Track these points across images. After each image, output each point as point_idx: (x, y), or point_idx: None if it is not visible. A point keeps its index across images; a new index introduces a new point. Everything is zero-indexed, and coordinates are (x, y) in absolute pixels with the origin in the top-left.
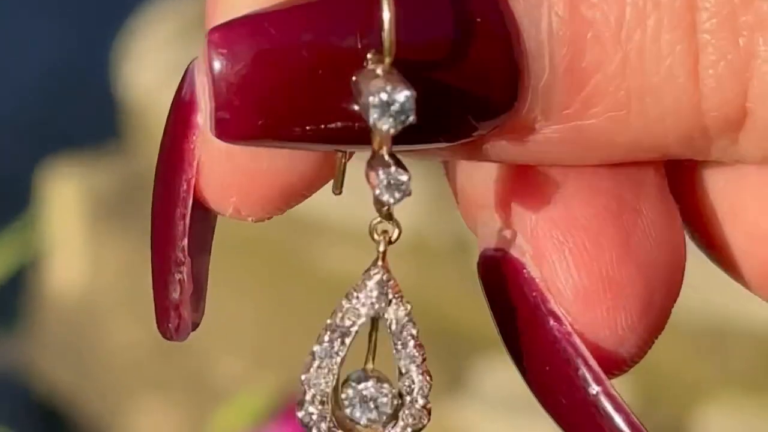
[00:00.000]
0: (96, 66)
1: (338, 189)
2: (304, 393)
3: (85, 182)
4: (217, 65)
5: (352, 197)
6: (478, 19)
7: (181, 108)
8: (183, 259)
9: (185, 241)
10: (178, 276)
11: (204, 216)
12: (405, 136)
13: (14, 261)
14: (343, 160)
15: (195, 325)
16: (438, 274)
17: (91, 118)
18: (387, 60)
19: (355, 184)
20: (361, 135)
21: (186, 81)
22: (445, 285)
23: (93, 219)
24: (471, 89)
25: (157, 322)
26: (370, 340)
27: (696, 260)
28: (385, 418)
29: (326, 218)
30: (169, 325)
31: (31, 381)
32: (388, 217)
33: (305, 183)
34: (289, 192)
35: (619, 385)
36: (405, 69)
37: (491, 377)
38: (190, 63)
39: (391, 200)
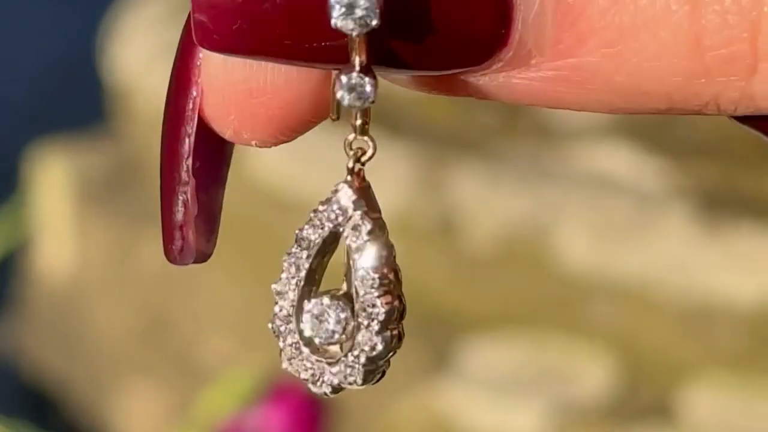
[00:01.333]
0: (83, 49)
1: (335, 114)
2: (275, 303)
3: (72, 165)
4: None
5: (339, 177)
6: None
7: (189, 28)
8: (187, 179)
9: (190, 161)
10: (182, 196)
11: (218, 147)
12: (387, 58)
13: (3, 245)
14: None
15: (206, 256)
16: (423, 255)
17: (78, 102)
18: None
19: (342, 163)
20: (339, 52)
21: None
22: (430, 267)
23: (81, 202)
24: (458, 14)
25: (164, 245)
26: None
27: (680, 242)
28: (336, 338)
29: (313, 199)
30: (173, 246)
31: (20, 364)
32: (362, 131)
33: (306, 104)
34: (290, 114)
35: (606, 364)
36: None
37: (477, 358)
38: None
39: (350, 103)
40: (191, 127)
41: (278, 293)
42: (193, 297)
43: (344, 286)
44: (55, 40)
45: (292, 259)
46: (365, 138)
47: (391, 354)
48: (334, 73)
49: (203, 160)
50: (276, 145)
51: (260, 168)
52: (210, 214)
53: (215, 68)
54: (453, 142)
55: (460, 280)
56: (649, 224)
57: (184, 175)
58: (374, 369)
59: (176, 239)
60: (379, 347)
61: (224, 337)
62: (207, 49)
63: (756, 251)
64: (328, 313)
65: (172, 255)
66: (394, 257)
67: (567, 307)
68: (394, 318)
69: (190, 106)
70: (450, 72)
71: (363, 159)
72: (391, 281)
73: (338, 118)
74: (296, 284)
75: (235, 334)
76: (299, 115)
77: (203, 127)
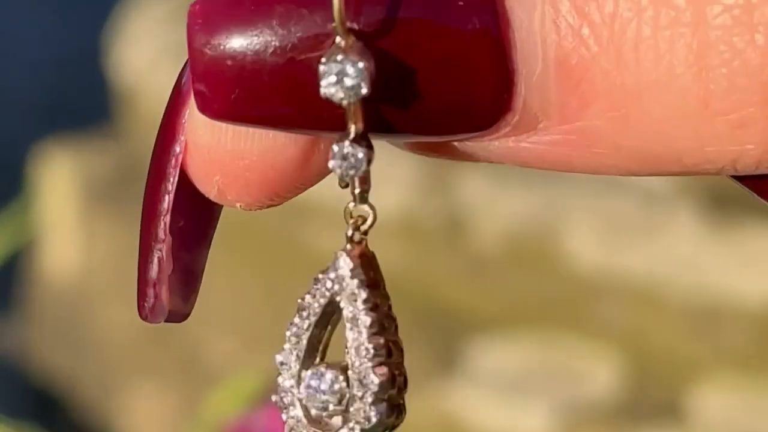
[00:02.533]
0: (89, 49)
1: (342, 182)
2: (278, 375)
3: (78, 165)
4: (194, 37)
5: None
6: (461, 3)
7: (179, 87)
8: (163, 237)
9: (168, 218)
10: (157, 253)
11: (205, 206)
12: (383, 125)
13: (8, 245)
14: None
15: (181, 316)
16: (430, 254)
17: (84, 102)
18: (344, 29)
19: None
20: (337, 120)
21: (188, 62)
22: (437, 266)
23: (87, 202)
24: (454, 81)
25: (137, 300)
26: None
27: (688, 241)
28: (331, 409)
29: (319, 201)
30: (145, 303)
31: (26, 364)
32: (362, 199)
33: (291, 169)
34: (275, 177)
35: (614, 364)
36: (374, 49)
37: (485, 358)
38: None
39: (342, 172)
40: (171, 184)
41: (281, 364)
42: (200, 298)
43: (347, 359)
44: (61, 41)
45: (294, 329)
46: (365, 206)
47: (388, 428)
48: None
49: (187, 218)
50: (261, 208)
51: None
52: (190, 274)
53: (202, 128)
54: None
55: (467, 280)
56: (657, 223)
57: (160, 233)
58: None
59: (148, 296)
60: (374, 419)
61: (231, 338)
62: (209, 117)
63: (764, 250)
64: (323, 383)
65: (143, 312)
66: (396, 331)
67: (575, 307)
68: (392, 391)
69: (172, 162)
70: (452, 138)
71: (363, 228)
72: (389, 353)
73: (347, 186)
74: (297, 356)
75: (242, 335)
76: (286, 180)
77: (189, 185)
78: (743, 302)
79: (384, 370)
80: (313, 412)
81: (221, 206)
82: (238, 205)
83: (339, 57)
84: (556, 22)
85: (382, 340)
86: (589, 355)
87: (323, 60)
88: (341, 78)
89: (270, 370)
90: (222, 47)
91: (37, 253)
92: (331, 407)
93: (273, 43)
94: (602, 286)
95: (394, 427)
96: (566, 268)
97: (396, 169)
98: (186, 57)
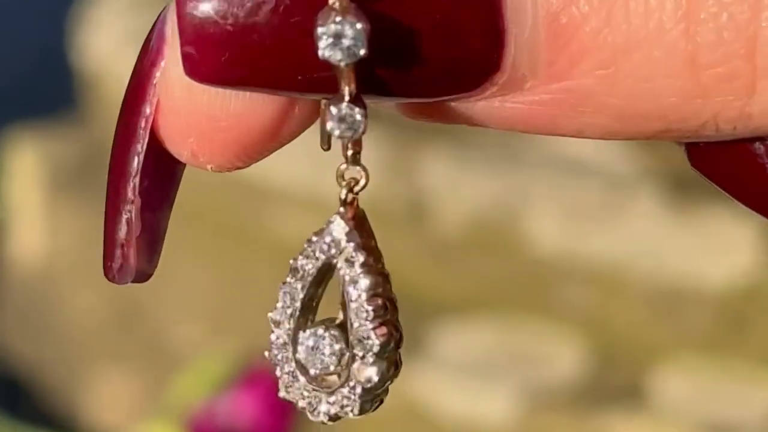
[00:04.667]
0: (53, 35)
1: (325, 144)
2: (271, 332)
3: (44, 152)
4: (183, 0)
5: (308, 163)
6: None
7: (147, 48)
8: (132, 198)
9: (137, 179)
10: (126, 215)
11: (169, 167)
12: (377, 87)
13: None
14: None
15: (146, 276)
16: (393, 238)
17: (49, 88)
18: None
19: (310, 150)
20: (329, 81)
21: (156, 24)
22: (400, 251)
23: (52, 188)
24: (448, 39)
25: (103, 262)
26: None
27: (649, 224)
28: (332, 369)
29: (282, 185)
30: (112, 264)
31: None
32: (354, 161)
33: (267, 130)
34: (250, 139)
35: (577, 347)
36: (368, 9)
37: (448, 342)
38: (163, 9)
39: (340, 134)
40: (141, 146)
41: (274, 322)
42: (164, 283)
43: (340, 315)
44: (26, 27)
45: (287, 289)
46: (357, 168)
47: (388, 383)
48: (323, 103)
49: (152, 179)
50: (231, 170)
51: None
52: (154, 235)
53: (178, 90)
54: (422, 126)
55: (430, 264)
56: (619, 207)
57: (129, 193)
58: (371, 399)
59: (116, 257)
60: (375, 378)
61: (196, 323)
62: (196, 80)
63: (725, 233)
64: (322, 345)
65: (111, 273)
66: (390, 287)
67: (537, 291)
68: (390, 348)
69: (142, 124)
70: (442, 99)
71: (356, 189)
72: (386, 312)
73: (329, 148)
74: (291, 314)
75: (207, 320)
76: (260, 141)
77: (154, 146)
78: (705, 285)
79: (384, 330)
80: (312, 371)
81: (184, 166)
82: (209, 166)
83: (337, 18)
84: None
85: (380, 301)
86: (552, 339)
87: (320, 21)
88: (339, 39)
89: (235, 354)
90: (213, 9)
91: (3, 239)
92: (331, 368)
93: (265, 4)
94: (565, 269)
95: (392, 381)
96: (529, 251)
97: None
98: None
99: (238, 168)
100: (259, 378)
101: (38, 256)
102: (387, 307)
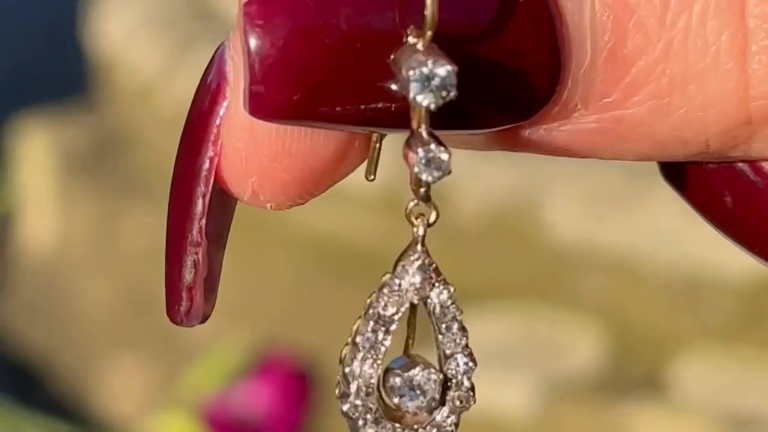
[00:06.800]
0: (65, 21)
1: (372, 174)
2: (348, 385)
3: (55, 138)
4: (253, 38)
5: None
6: (521, 0)
7: (207, 88)
8: (199, 240)
9: (204, 221)
10: (193, 257)
11: (226, 207)
12: (443, 121)
13: None
14: (377, 144)
15: (205, 317)
16: (410, 228)
17: (61, 74)
18: (428, 34)
19: None
20: (399, 116)
21: (214, 61)
22: None
23: (64, 175)
24: (512, 73)
25: (167, 305)
26: (408, 326)
27: (669, 213)
28: (433, 403)
29: None
30: (180, 308)
31: (3, 337)
32: (426, 198)
33: (329, 167)
34: (312, 177)
35: (595, 337)
36: (444, 47)
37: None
38: (220, 46)
39: (430, 179)
40: (207, 188)
41: (351, 374)
42: None
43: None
44: (38, 12)
45: (367, 336)
46: (425, 205)
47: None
48: (405, 144)
49: (210, 222)
50: (290, 207)
51: None
52: (213, 276)
53: (240, 132)
54: None
55: (447, 254)
56: (639, 196)
57: (196, 236)
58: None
59: (184, 300)
60: (471, 401)
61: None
62: (259, 118)
63: None
64: (421, 391)
65: (178, 317)
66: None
67: (556, 280)
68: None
69: (206, 166)
70: (498, 129)
71: (431, 223)
72: (470, 352)
73: (374, 179)
74: (373, 361)
75: (221, 310)
76: (322, 178)
77: (216, 192)
78: (724, 275)
79: (472, 357)
80: (411, 408)
81: (236, 203)
82: (269, 205)
83: (428, 61)
84: (604, 17)
85: (467, 344)
86: (570, 328)
87: (405, 63)
88: (429, 81)
89: (248, 345)
90: (283, 50)
91: (14, 226)
92: (433, 403)
93: (338, 49)
94: (584, 259)
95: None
96: (548, 240)
97: None
98: (164, 31)
99: (298, 204)
100: (273, 367)
101: (50, 245)
102: (469, 345)
